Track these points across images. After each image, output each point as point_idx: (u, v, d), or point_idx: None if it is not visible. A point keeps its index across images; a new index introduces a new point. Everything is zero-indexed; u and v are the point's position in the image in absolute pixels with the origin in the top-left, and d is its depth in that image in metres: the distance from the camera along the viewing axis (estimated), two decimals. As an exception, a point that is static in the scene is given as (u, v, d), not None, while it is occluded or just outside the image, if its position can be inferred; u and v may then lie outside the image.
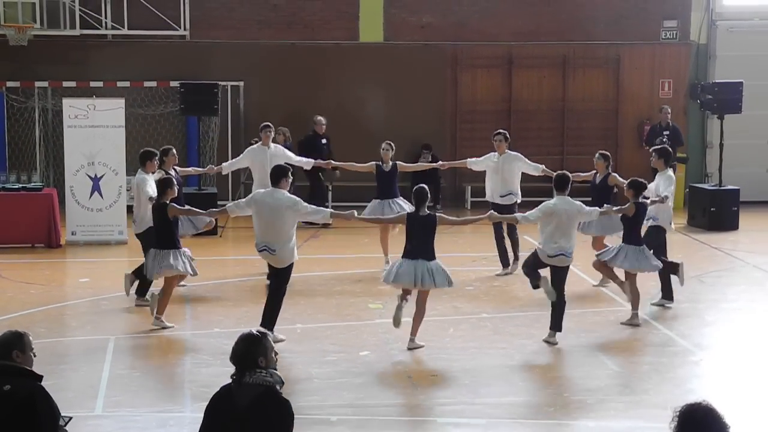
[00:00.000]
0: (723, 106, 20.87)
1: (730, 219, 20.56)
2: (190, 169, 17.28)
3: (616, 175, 15.27)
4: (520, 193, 16.07)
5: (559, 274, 12.56)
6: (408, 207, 15.77)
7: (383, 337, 12.72)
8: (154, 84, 22.59)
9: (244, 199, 12.96)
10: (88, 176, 18.75)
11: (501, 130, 16.44)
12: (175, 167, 15.22)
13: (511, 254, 16.18)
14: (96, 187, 18.77)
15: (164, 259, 12.94)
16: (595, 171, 15.39)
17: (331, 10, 23.31)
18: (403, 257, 12.17)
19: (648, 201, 13.64)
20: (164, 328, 13.01)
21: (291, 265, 12.33)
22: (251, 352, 6.10)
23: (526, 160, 16.24)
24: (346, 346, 12.39)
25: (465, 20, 23.49)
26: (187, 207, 13.76)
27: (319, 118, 21.46)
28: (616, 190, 15.32)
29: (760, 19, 24.26)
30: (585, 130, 23.59)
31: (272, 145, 16.34)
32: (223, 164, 17.06)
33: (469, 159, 16.87)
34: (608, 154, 15.55)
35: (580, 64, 23.73)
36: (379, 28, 23.44)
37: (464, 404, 10.51)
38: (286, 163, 14.47)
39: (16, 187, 19.13)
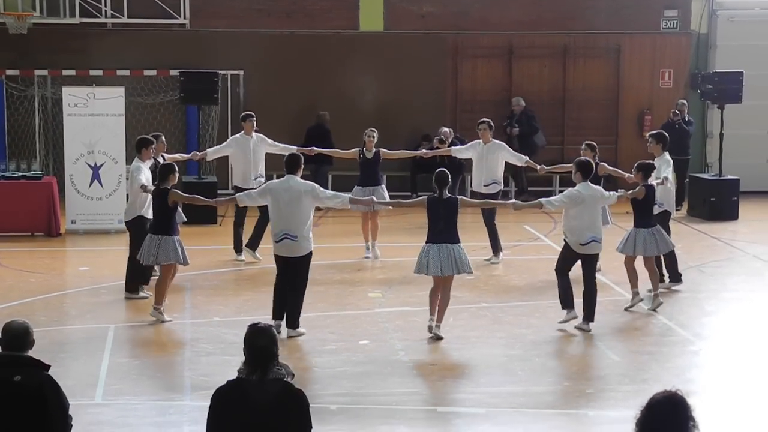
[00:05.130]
0: (723, 96, 20.82)
1: (730, 209, 20.55)
2: (177, 155, 17.20)
3: (604, 164, 15.23)
4: (503, 182, 16.19)
5: (591, 262, 12.55)
6: (387, 196, 16.14)
7: (383, 326, 12.72)
8: (153, 72, 22.55)
9: (256, 190, 12.87)
10: (88, 165, 18.73)
11: (485, 119, 16.46)
12: (164, 154, 15.20)
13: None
14: (96, 176, 18.75)
15: (160, 247, 12.85)
16: None
17: (331, -1, 23.30)
18: (427, 242, 12.05)
19: (655, 183, 13.61)
20: (162, 321, 12.87)
21: (310, 254, 12.15)
22: (271, 347, 5.90)
23: (510, 149, 16.42)
24: (346, 335, 12.40)
25: (466, 10, 23.45)
26: (192, 195, 13.67)
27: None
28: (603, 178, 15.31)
29: (761, 9, 24.22)
30: (585, 120, 23.55)
31: (254, 134, 16.38)
32: (207, 150, 17.26)
33: (453, 147, 17.14)
34: (594, 144, 15.38)
35: (581, 53, 23.69)
36: (380, 17, 23.39)
37: (464, 393, 10.53)
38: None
39: (16, 175, 19.12)
